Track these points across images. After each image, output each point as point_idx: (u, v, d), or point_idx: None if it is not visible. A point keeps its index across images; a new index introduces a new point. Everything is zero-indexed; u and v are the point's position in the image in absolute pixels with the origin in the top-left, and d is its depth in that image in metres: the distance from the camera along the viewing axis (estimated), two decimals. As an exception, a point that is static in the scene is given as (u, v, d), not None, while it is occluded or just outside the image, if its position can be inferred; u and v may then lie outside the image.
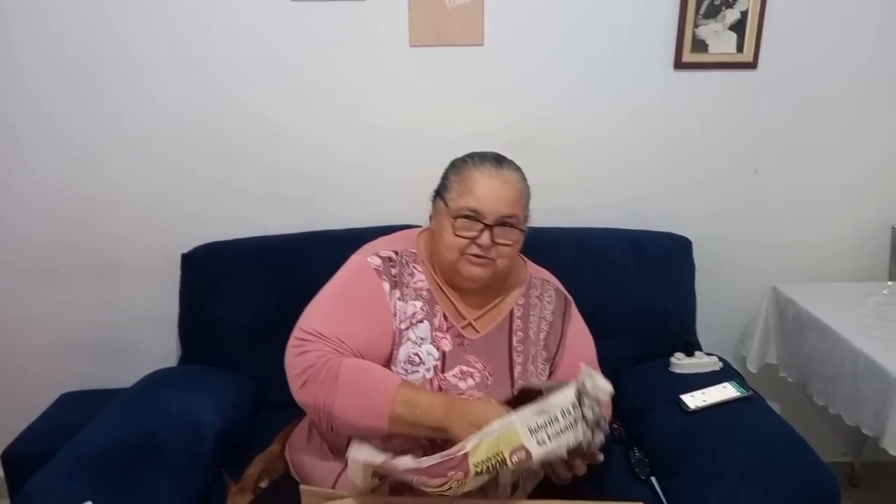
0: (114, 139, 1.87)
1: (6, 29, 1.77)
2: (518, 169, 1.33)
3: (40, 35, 1.78)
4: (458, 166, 1.32)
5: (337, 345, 1.22)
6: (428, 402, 1.15)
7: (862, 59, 1.89)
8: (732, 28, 1.84)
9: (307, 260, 1.73)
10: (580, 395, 1.08)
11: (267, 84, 1.85)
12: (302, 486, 1.05)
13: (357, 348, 1.23)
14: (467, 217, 1.26)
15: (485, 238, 1.26)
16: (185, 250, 1.83)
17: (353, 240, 1.49)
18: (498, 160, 1.30)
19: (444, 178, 1.34)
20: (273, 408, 1.64)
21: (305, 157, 1.91)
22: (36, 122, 1.85)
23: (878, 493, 2.17)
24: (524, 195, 1.31)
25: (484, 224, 1.25)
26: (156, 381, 1.64)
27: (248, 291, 1.80)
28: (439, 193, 1.33)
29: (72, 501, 0.93)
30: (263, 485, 1.39)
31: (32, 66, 1.80)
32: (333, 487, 1.23)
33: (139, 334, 2.02)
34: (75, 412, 1.74)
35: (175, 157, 1.89)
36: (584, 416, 1.07)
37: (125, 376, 1.71)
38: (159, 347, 1.99)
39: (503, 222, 1.27)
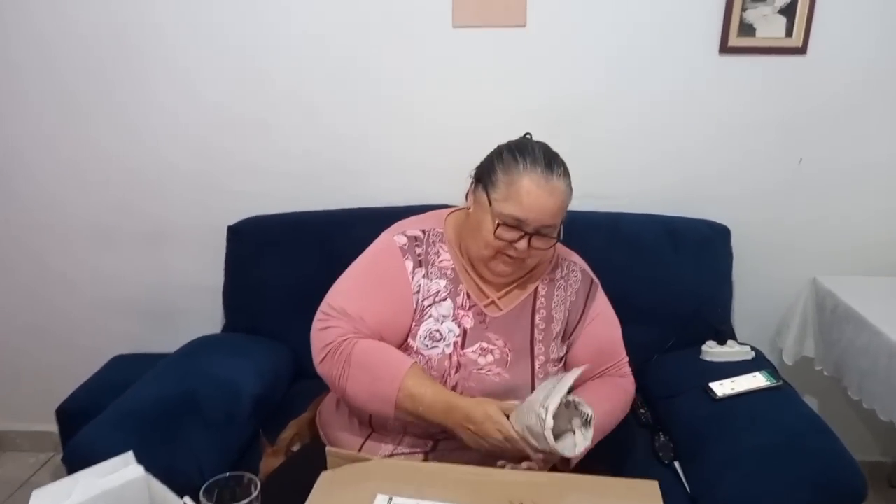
0: (161, 113, 1.96)
1: (66, 3, 1.86)
2: (566, 173, 1.29)
3: (94, 6, 1.87)
4: (507, 164, 1.28)
5: (358, 323, 1.27)
6: (431, 400, 1.20)
7: (917, 46, 1.82)
8: (782, 12, 1.80)
9: (346, 235, 1.76)
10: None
11: (311, 63, 1.90)
12: (328, 448, 1.11)
13: (377, 325, 1.28)
14: (509, 224, 1.27)
15: (522, 244, 1.27)
16: (231, 223, 1.91)
17: (390, 217, 1.52)
18: (549, 164, 1.26)
19: (491, 169, 1.30)
20: (309, 377, 1.68)
21: (346, 135, 1.96)
22: (87, 93, 1.95)
23: (916, 493, 2.13)
24: (567, 204, 1.30)
25: (524, 232, 1.26)
26: (199, 347, 1.73)
27: (290, 264, 1.86)
28: (484, 185, 1.31)
29: (114, 451, 1.00)
30: (295, 448, 1.45)
31: (86, 38, 1.90)
32: (359, 452, 1.28)
33: (187, 301, 2.12)
34: (125, 373, 1.83)
35: (221, 134, 1.97)
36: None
37: (174, 341, 1.80)
38: (206, 315, 2.08)
39: (542, 231, 1.28)
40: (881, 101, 1.87)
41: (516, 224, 1.26)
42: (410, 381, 1.21)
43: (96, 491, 0.93)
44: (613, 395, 1.39)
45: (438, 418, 1.20)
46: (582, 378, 1.39)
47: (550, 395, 1.10)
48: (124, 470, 0.98)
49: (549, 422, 1.08)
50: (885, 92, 1.86)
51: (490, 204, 1.27)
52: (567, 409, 1.16)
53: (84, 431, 1.33)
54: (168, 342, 1.84)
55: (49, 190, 2.05)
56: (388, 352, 1.27)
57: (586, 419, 1.17)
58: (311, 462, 1.15)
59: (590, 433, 1.17)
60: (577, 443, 1.15)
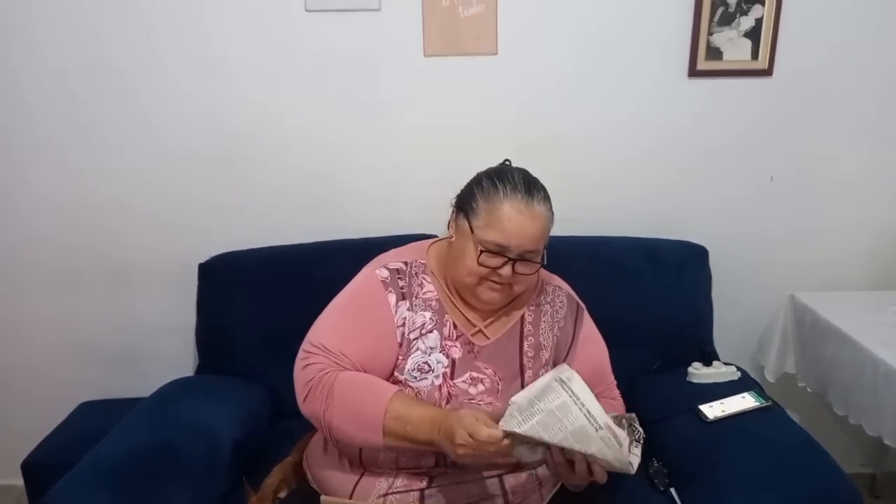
0: (130, 146, 1.89)
1: (23, 35, 1.80)
2: (547, 198, 1.30)
3: (42, 50, 1.81)
4: (487, 191, 1.27)
5: (339, 358, 1.24)
6: (418, 418, 1.16)
7: (877, 65, 1.88)
8: (747, 35, 1.84)
9: (321, 269, 1.73)
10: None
11: (282, 94, 1.86)
12: (322, 497, 1.06)
13: (360, 361, 1.25)
14: (491, 250, 1.25)
15: (506, 270, 1.26)
16: (202, 259, 1.85)
17: (367, 248, 1.50)
18: (528, 190, 1.26)
19: (472, 197, 1.29)
20: (290, 417, 1.63)
21: (321, 167, 1.92)
22: (39, 140, 1.88)
23: (899, 503, 2.15)
24: (549, 228, 1.30)
25: (507, 258, 1.25)
26: (173, 391, 1.66)
27: (265, 300, 1.81)
28: (465, 213, 1.30)
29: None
30: (282, 495, 1.39)
31: (50, 71, 1.83)
32: (351, 497, 1.23)
33: (157, 343, 2.04)
34: (95, 421, 1.76)
35: (191, 167, 1.91)
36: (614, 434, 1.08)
37: (144, 385, 1.73)
38: (177, 356, 2.01)
39: (525, 256, 1.27)
40: (844, 119, 1.92)
41: (499, 251, 1.25)
42: (396, 403, 1.18)
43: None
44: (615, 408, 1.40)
45: (428, 436, 1.14)
46: None
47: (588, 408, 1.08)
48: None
49: (623, 434, 1.09)
50: (848, 110, 1.92)
51: (472, 231, 1.27)
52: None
53: (57, 489, 1.25)
54: (138, 387, 1.77)
55: (7, 233, 1.96)
56: (371, 380, 1.23)
57: (637, 437, 1.16)
58: (300, 509, 1.10)
59: (639, 450, 1.15)
60: (633, 461, 1.13)
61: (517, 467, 1.18)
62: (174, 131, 1.88)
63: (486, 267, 1.26)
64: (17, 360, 2.07)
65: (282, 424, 1.72)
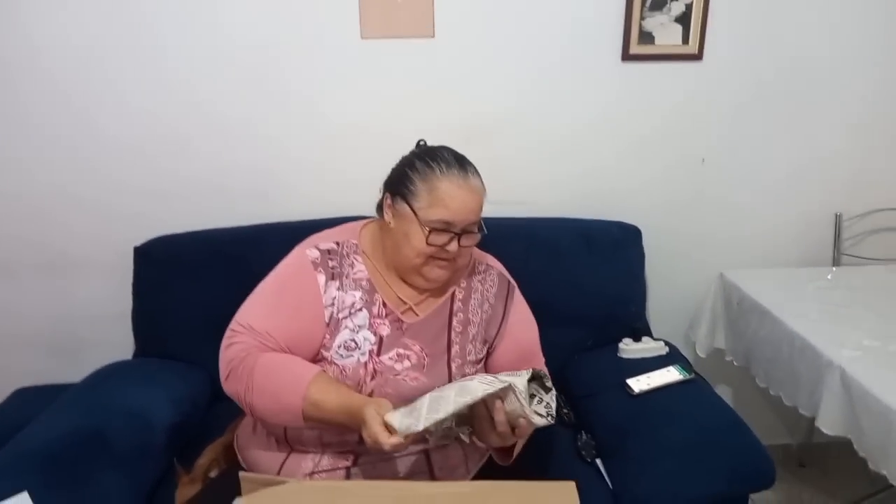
0: (65, 133, 1.85)
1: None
2: (477, 171, 1.34)
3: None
4: (422, 172, 1.30)
5: (264, 338, 1.25)
6: (334, 407, 1.17)
7: (804, 50, 1.94)
8: (678, 20, 1.88)
9: (260, 252, 1.69)
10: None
11: (217, 77, 1.84)
12: (241, 473, 1.07)
13: (286, 340, 1.26)
14: (438, 228, 1.28)
15: (453, 246, 1.29)
16: (138, 243, 1.83)
17: (304, 232, 1.50)
18: (461, 165, 1.30)
19: (407, 180, 1.31)
20: (227, 400, 1.64)
21: (257, 149, 1.91)
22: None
23: (823, 472, 2.24)
24: (483, 199, 1.34)
25: (454, 233, 1.28)
26: (106, 376, 1.65)
27: (202, 284, 1.80)
28: (402, 196, 1.31)
29: (9, 493, 0.94)
30: (213, 474, 1.40)
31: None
32: (278, 474, 1.25)
33: (94, 329, 2.01)
34: (29, 407, 1.72)
35: (125, 150, 1.88)
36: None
37: (82, 371, 1.70)
38: (115, 341, 1.97)
39: (468, 229, 1.30)
40: (774, 103, 1.98)
41: (445, 227, 1.28)
42: (314, 388, 1.18)
43: (-13, 539, 0.87)
44: None
45: (343, 422, 1.16)
46: None
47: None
48: (18, 513, 0.92)
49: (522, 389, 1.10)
50: (776, 94, 1.98)
51: (415, 214, 1.29)
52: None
53: (-23, 476, 1.24)
54: (76, 372, 1.74)
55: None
56: (292, 363, 1.24)
57: (546, 385, 1.18)
58: (228, 488, 1.11)
59: (552, 398, 1.18)
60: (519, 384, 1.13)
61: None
62: (110, 119, 1.85)
63: (434, 245, 1.29)
64: (-51, 346, 2.03)
65: (218, 406, 1.71)
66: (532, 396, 1.17)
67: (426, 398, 1.09)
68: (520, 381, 1.11)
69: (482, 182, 1.33)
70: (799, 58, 1.94)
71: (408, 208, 1.30)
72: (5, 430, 1.46)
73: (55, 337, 2.03)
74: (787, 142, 2.03)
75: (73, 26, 1.77)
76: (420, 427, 1.04)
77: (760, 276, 1.98)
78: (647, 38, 1.89)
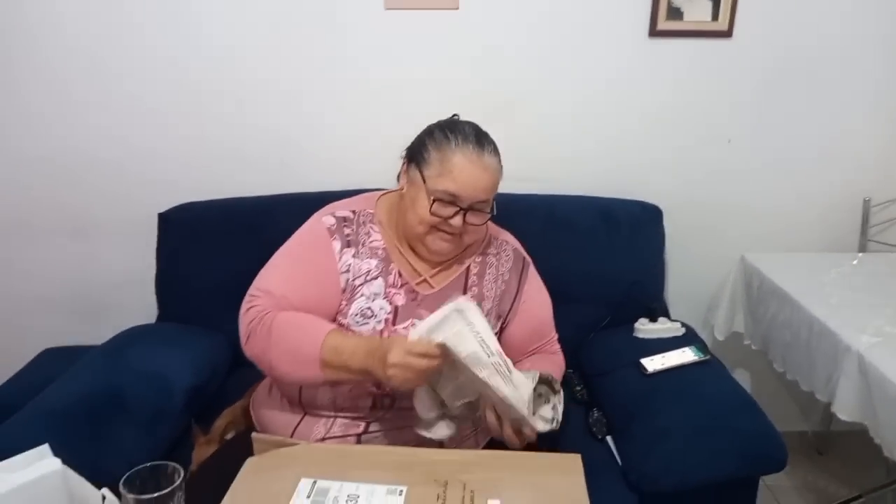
0: (92, 98, 1.88)
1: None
2: (496, 150, 1.33)
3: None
4: (439, 141, 1.30)
5: (281, 301, 1.26)
6: (353, 347, 1.18)
7: (835, 28, 1.89)
8: (708, -5, 1.84)
9: (279, 221, 1.70)
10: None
11: (242, 45, 1.86)
12: (253, 434, 1.09)
13: (302, 304, 1.27)
14: (443, 199, 1.28)
15: (457, 220, 1.29)
16: (162, 209, 1.86)
17: (323, 202, 1.51)
18: (479, 141, 1.30)
19: (423, 148, 1.32)
20: (247, 365, 1.67)
21: (279, 119, 1.93)
22: (14, 80, 1.86)
23: (841, 460, 2.22)
24: (498, 180, 1.33)
25: (459, 207, 1.28)
26: (128, 338, 1.68)
27: (223, 251, 1.83)
28: (416, 163, 1.32)
29: (31, 446, 0.97)
30: (229, 436, 1.43)
31: (7, 25, 1.80)
32: (291, 437, 1.27)
33: (119, 293, 2.06)
34: (55, 367, 1.77)
35: (149, 118, 1.91)
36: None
37: (106, 334, 1.74)
38: (139, 305, 2.01)
39: (476, 207, 1.30)
40: (802, 83, 1.94)
41: (451, 200, 1.28)
42: (332, 336, 1.20)
43: (9, 486, 0.90)
44: (553, 370, 1.42)
45: (361, 360, 1.17)
46: (516, 352, 1.42)
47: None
48: (39, 463, 0.95)
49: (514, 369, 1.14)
50: (806, 73, 1.93)
51: (424, 181, 1.29)
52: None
53: (2, 429, 1.28)
54: (100, 335, 1.78)
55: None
56: (310, 318, 1.25)
57: (556, 389, 1.22)
58: (243, 449, 1.13)
59: (560, 402, 1.22)
60: (524, 391, 1.16)
61: (440, 445, 1.22)
62: (136, 84, 1.88)
63: (437, 217, 1.29)
64: (-21, 306, 2.09)
65: (238, 372, 1.75)
66: (539, 396, 1.18)
67: (451, 320, 1.11)
68: (525, 389, 1.14)
69: (499, 162, 1.33)
70: (831, 36, 1.90)
71: (419, 175, 1.31)
72: (32, 389, 1.51)
73: (80, 299, 2.08)
74: (817, 123, 1.98)
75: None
76: (438, 339, 1.08)
77: (783, 260, 1.95)
78: (675, 13, 1.86)
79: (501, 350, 1.15)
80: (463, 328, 1.11)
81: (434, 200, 1.27)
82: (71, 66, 1.85)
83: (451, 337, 1.10)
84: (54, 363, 1.89)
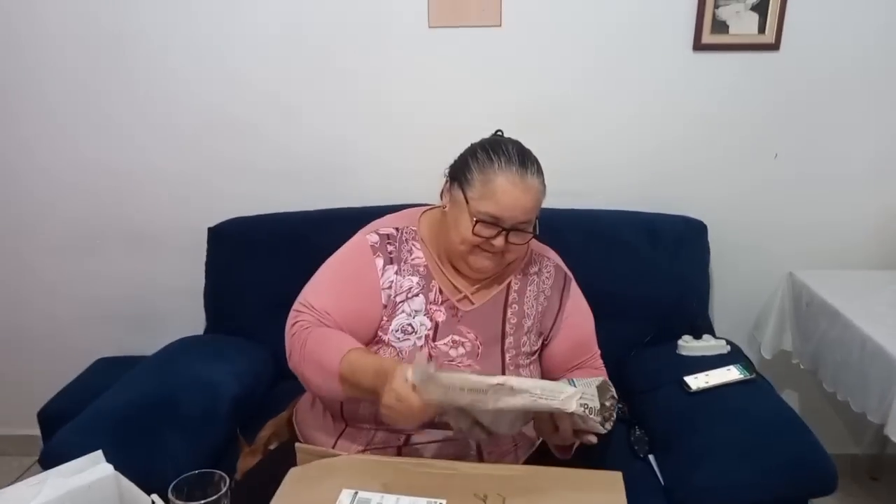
0: (143, 116, 1.97)
1: (44, 4, 1.87)
2: (540, 171, 1.32)
3: (76, 10, 1.88)
4: (482, 162, 1.30)
5: (322, 316, 1.29)
6: (365, 366, 1.18)
7: (885, 41, 1.84)
8: (754, 8, 1.82)
9: (324, 236, 1.74)
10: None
11: (288, 64, 1.91)
12: (297, 445, 1.12)
13: (344, 319, 1.30)
14: (486, 221, 1.28)
15: (499, 241, 1.29)
16: (212, 224, 1.92)
17: (368, 217, 1.53)
18: (522, 162, 1.29)
19: (467, 167, 1.32)
20: (290, 378, 1.70)
21: (325, 136, 1.97)
22: (69, 97, 1.96)
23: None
24: (541, 200, 1.33)
25: (501, 228, 1.29)
26: (178, 349, 1.74)
27: (269, 265, 1.87)
28: (459, 183, 1.33)
29: (86, 451, 1.01)
30: (273, 447, 1.46)
31: (67, 40, 1.91)
32: (333, 449, 1.29)
33: (169, 304, 2.13)
34: (108, 376, 1.83)
35: (201, 135, 1.98)
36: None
37: (158, 344, 1.80)
38: (188, 317, 2.07)
39: (518, 227, 1.30)
40: (853, 95, 1.89)
41: (493, 221, 1.28)
42: (354, 353, 1.21)
43: (64, 490, 0.94)
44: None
45: (370, 380, 1.16)
46: (559, 369, 1.43)
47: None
48: (93, 468, 0.99)
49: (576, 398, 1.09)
50: (856, 87, 1.89)
51: (467, 202, 1.30)
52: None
53: (58, 435, 1.34)
54: (151, 345, 1.84)
55: (30, 194, 2.06)
56: (340, 335, 1.27)
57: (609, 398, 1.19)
58: (286, 460, 1.16)
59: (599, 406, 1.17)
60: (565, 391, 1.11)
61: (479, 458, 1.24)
62: (183, 103, 1.95)
63: (480, 237, 1.29)
64: (39, 316, 2.19)
65: (282, 384, 1.78)
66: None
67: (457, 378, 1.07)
68: (588, 391, 1.11)
69: (542, 182, 1.32)
70: (880, 47, 1.85)
71: (461, 196, 1.31)
72: (87, 396, 1.57)
73: (132, 308, 2.16)
74: (867, 136, 1.93)
75: (156, 8, 1.87)
76: (433, 393, 1.03)
77: (833, 276, 1.89)
78: (720, 26, 1.84)
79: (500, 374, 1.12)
80: (439, 389, 1.06)
81: (476, 222, 1.28)
82: (137, 78, 1.94)
83: (439, 396, 1.05)
84: (108, 372, 1.96)
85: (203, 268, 1.95)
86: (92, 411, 1.42)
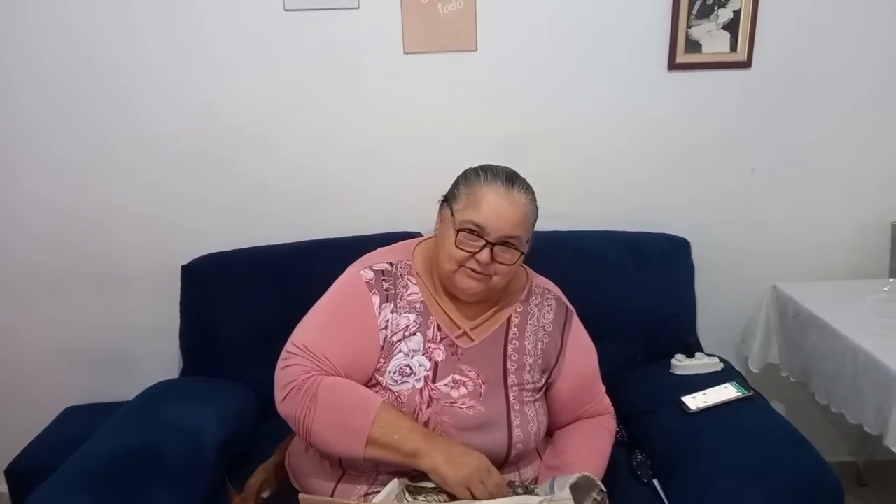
0: (108, 153, 1.88)
1: (10, 36, 1.79)
2: (529, 190, 1.31)
3: (30, 49, 1.80)
4: (469, 178, 1.31)
5: (321, 361, 1.24)
6: (409, 427, 1.18)
7: (857, 55, 1.88)
8: (726, 27, 1.85)
9: (306, 268, 1.73)
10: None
11: (261, 95, 1.86)
12: (301, 496, 1.06)
13: (342, 364, 1.25)
14: (470, 231, 1.26)
15: (484, 255, 1.26)
16: (186, 260, 1.84)
17: (350, 247, 1.50)
18: (510, 179, 1.29)
19: (455, 186, 1.33)
20: (275, 418, 1.63)
21: (301, 166, 1.92)
22: (28, 138, 1.87)
23: (885, 492, 2.16)
24: (530, 217, 1.31)
25: (485, 241, 1.26)
26: (156, 394, 1.65)
27: (249, 301, 1.80)
28: (448, 202, 1.32)
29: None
30: (265, 495, 1.39)
31: (23, 80, 1.82)
32: (332, 496, 1.23)
33: (142, 346, 2.03)
34: (79, 425, 1.76)
35: (170, 170, 1.90)
36: None
37: (130, 389, 1.72)
38: (163, 359, 1.99)
39: (504, 242, 1.27)
40: (825, 109, 1.93)
41: (476, 230, 1.26)
42: (385, 413, 1.19)
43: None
44: (601, 444, 1.41)
45: (417, 444, 1.16)
46: (564, 411, 1.42)
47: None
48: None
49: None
50: (828, 101, 1.93)
51: (452, 216, 1.29)
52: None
53: (38, 493, 1.24)
54: (123, 390, 1.77)
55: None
56: (357, 388, 1.24)
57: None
58: (282, 509, 1.10)
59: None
60: None
61: None
62: (162, 130, 1.88)
63: (464, 250, 1.26)
64: (2, 362, 2.05)
65: (266, 424, 1.71)
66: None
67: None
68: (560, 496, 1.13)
69: (531, 201, 1.31)
70: (850, 63, 1.89)
71: (449, 212, 1.30)
72: (58, 448, 1.48)
73: (102, 352, 2.05)
74: (840, 150, 1.97)
75: (129, 40, 1.80)
76: None
77: (815, 288, 1.91)
78: (693, 46, 1.86)
79: None
80: None
81: (459, 231, 1.26)
82: (98, 117, 1.85)
83: None
84: (79, 421, 1.87)
85: (177, 307, 1.86)
86: (72, 467, 1.32)
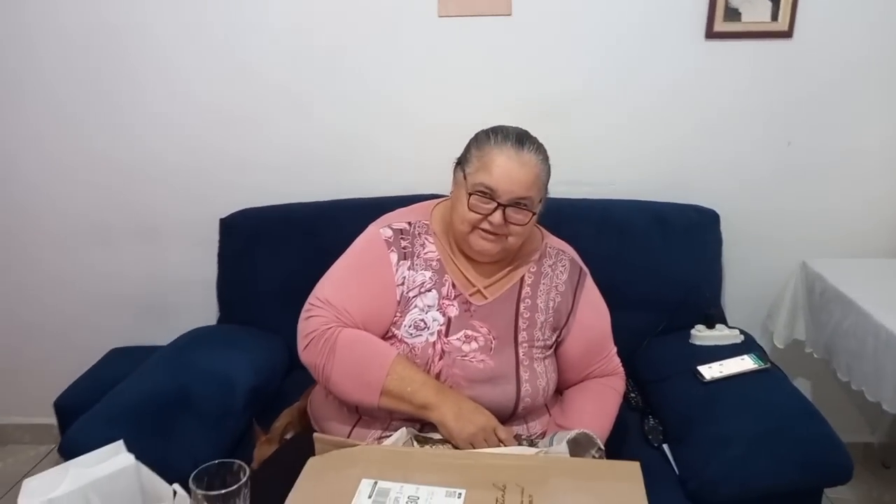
0: (150, 110, 1.97)
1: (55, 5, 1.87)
2: (540, 150, 1.32)
3: (84, 4, 1.88)
4: (480, 140, 1.33)
5: (341, 314, 1.30)
6: (422, 381, 1.23)
7: (899, 27, 1.82)
8: (767, -5, 1.81)
9: (335, 227, 1.77)
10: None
11: (297, 58, 1.90)
12: (315, 435, 1.12)
13: (360, 317, 1.31)
14: (482, 193, 1.29)
15: (496, 217, 1.29)
16: (223, 216, 1.92)
17: (377, 208, 1.54)
18: (520, 140, 1.30)
19: (467, 149, 1.36)
20: (303, 367, 1.71)
21: (334, 128, 1.97)
22: (77, 91, 1.96)
23: (906, 473, 2.14)
24: (541, 178, 1.32)
25: (497, 203, 1.28)
26: (192, 339, 1.75)
27: (281, 255, 1.88)
28: (461, 164, 1.36)
29: (105, 441, 1.02)
30: (288, 436, 1.47)
31: (74, 34, 1.91)
32: (348, 437, 1.30)
33: (182, 295, 2.13)
34: (122, 366, 1.84)
35: (209, 129, 1.98)
36: None
37: (170, 334, 1.81)
38: (201, 307, 2.08)
39: (516, 203, 1.29)
40: (868, 84, 1.88)
41: (488, 193, 1.28)
42: (399, 366, 1.24)
43: (87, 479, 0.94)
44: (607, 403, 1.43)
45: (428, 398, 1.22)
46: (572, 371, 1.44)
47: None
48: (115, 458, 0.99)
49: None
50: (871, 75, 1.87)
51: (465, 178, 1.32)
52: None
53: (76, 425, 1.34)
54: (164, 335, 1.85)
55: (41, 190, 2.06)
56: (374, 341, 1.29)
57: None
58: (302, 449, 1.16)
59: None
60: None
61: None
62: (200, 87, 1.95)
63: (476, 213, 1.29)
64: (53, 307, 2.19)
65: (296, 373, 1.78)
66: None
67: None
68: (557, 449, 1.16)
69: (543, 161, 1.32)
70: (893, 35, 1.83)
71: (461, 175, 1.33)
72: (102, 386, 1.58)
73: (145, 299, 2.16)
74: (880, 124, 1.92)
75: (180, 6, 1.87)
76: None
77: (846, 265, 1.89)
78: (733, 14, 1.82)
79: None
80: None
81: (471, 194, 1.29)
82: (142, 76, 1.94)
83: None
84: (122, 362, 1.97)
85: (215, 259, 1.95)
86: (109, 402, 1.43)
